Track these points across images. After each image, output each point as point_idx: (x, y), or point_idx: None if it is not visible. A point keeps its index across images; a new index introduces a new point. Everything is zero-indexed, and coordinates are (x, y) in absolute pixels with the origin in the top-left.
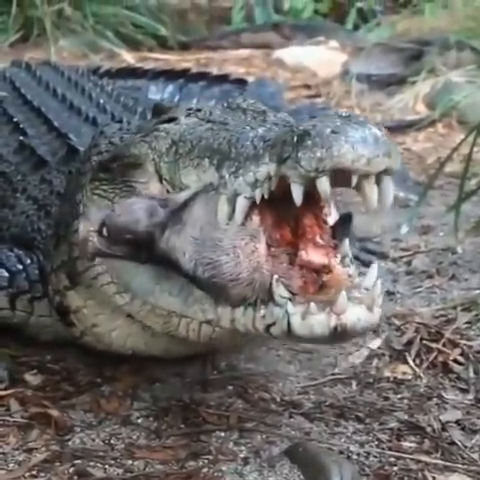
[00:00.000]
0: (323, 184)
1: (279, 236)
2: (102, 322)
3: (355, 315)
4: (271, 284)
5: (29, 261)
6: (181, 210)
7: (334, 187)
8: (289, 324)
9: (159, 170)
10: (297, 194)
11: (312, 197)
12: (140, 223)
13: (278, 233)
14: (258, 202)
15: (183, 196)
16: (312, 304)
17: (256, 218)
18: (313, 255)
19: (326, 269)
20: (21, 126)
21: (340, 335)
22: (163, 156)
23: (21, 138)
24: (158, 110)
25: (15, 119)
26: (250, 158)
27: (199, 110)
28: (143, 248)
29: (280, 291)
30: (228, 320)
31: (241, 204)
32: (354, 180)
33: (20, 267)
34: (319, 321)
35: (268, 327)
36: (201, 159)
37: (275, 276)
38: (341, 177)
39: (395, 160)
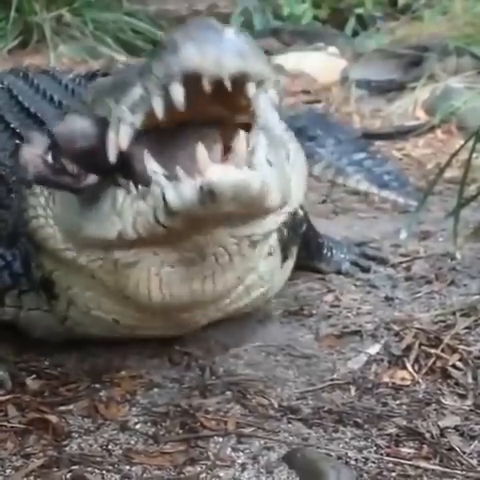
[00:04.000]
0: (176, 91)
1: None
2: (76, 286)
3: (221, 172)
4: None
5: (11, 257)
6: None
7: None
8: (165, 200)
9: None
10: (158, 107)
11: None
12: (87, 130)
13: None
14: (138, 126)
15: None
16: (179, 170)
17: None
18: None
19: None
20: (17, 131)
21: (209, 196)
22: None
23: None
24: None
25: (12, 125)
26: (128, 85)
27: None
28: (92, 162)
29: (153, 167)
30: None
31: (123, 132)
32: (206, 86)
33: (2, 263)
34: (186, 186)
35: (155, 213)
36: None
37: (145, 150)
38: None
39: (254, 62)
